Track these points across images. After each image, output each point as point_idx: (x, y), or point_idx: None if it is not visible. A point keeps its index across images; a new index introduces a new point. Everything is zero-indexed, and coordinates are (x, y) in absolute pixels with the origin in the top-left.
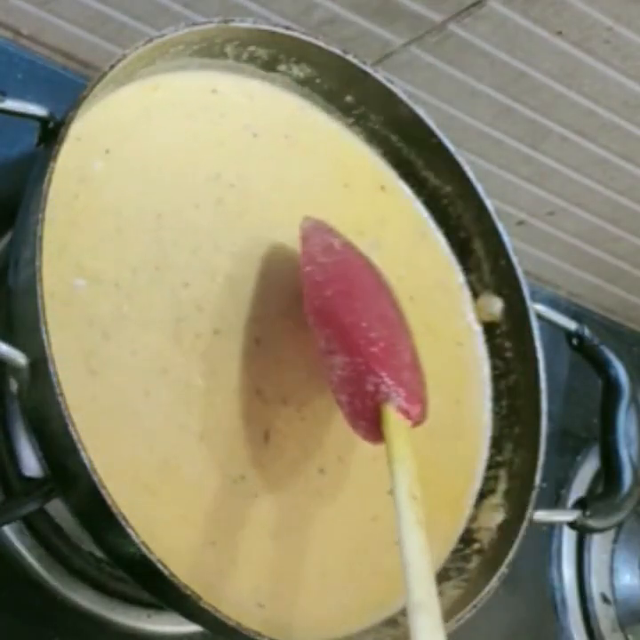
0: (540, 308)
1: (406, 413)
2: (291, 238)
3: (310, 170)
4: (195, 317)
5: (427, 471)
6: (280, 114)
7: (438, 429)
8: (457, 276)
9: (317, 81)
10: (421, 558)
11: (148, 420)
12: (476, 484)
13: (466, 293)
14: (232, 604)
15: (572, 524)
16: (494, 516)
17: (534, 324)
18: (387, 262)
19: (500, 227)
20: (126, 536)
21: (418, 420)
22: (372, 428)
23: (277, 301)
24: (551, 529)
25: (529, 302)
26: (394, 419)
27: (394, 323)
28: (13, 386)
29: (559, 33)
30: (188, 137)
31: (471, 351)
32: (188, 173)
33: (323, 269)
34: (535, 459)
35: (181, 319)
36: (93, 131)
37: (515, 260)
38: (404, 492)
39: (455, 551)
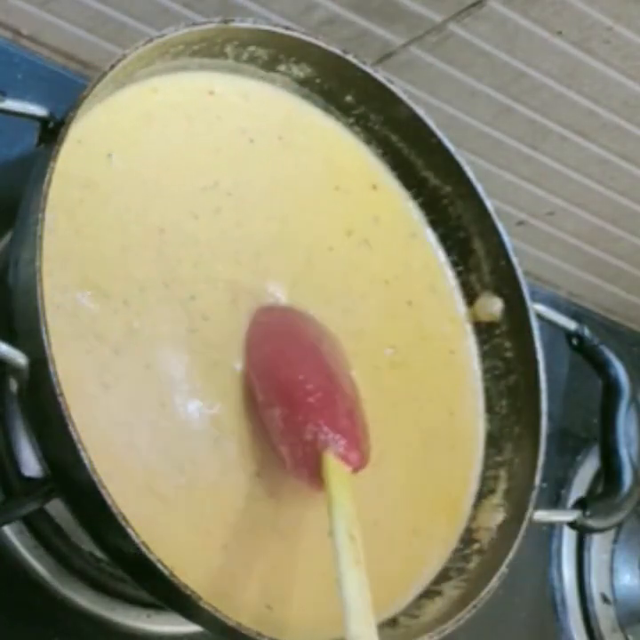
0: (540, 308)
1: (345, 459)
2: (285, 246)
3: (303, 172)
4: (203, 327)
5: (422, 480)
6: (275, 115)
7: (433, 441)
8: (448, 279)
9: (317, 81)
10: (359, 596)
11: (163, 429)
12: (473, 487)
13: (457, 296)
14: (241, 606)
15: (572, 524)
16: (494, 516)
17: (534, 323)
18: (378, 261)
19: (500, 227)
20: (126, 536)
21: (357, 466)
22: (314, 475)
23: None
24: (551, 529)
25: (529, 302)
26: (333, 465)
27: (332, 373)
28: (13, 386)
29: (559, 33)
30: (187, 142)
31: (464, 358)
32: (187, 182)
33: (262, 328)
34: (535, 459)
35: (193, 331)
36: (94, 134)
37: (515, 260)
38: (342, 533)
39: (455, 551)
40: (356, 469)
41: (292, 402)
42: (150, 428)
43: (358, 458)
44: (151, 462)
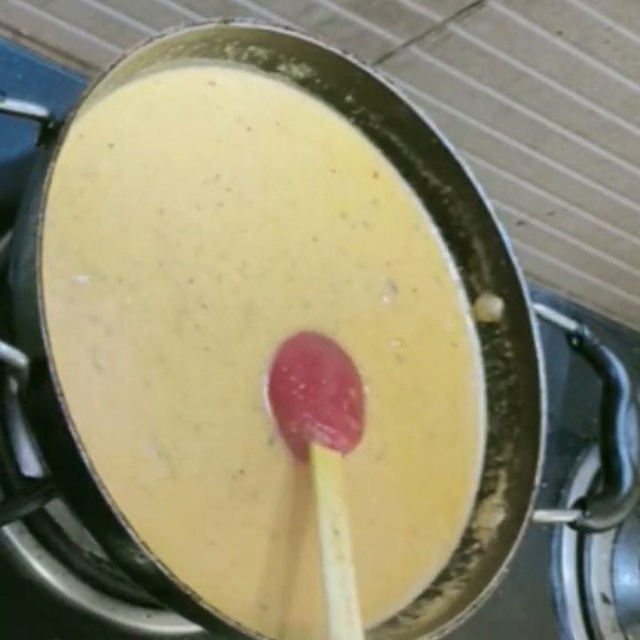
0: (540, 308)
1: (332, 446)
2: (282, 251)
3: (299, 156)
4: (199, 312)
5: (422, 478)
6: (274, 102)
7: (435, 435)
8: (451, 273)
9: (317, 81)
10: (342, 593)
11: (147, 411)
12: (473, 488)
13: (461, 293)
14: (235, 606)
15: (571, 524)
16: (494, 516)
17: (534, 324)
18: (377, 242)
19: (500, 227)
20: (126, 536)
21: (345, 448)
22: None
23: None
24: (551, 529)
25: (529, 302)
26: (319, 456)
27: (316, 356)
28: (13, 386)
29: (559, 33)
30: (188, 133)
31: (466, 352)
32: (189, 174)
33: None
34: (535, 459)
35: (185, 311)
36: (96, 128)
37: (515, 260)
38: (326, 528)
39: (455, 551)
40: (346, 451)
41: (277, 396)
42: (136, 410)
43: (346, 442)
44: (137, 448)
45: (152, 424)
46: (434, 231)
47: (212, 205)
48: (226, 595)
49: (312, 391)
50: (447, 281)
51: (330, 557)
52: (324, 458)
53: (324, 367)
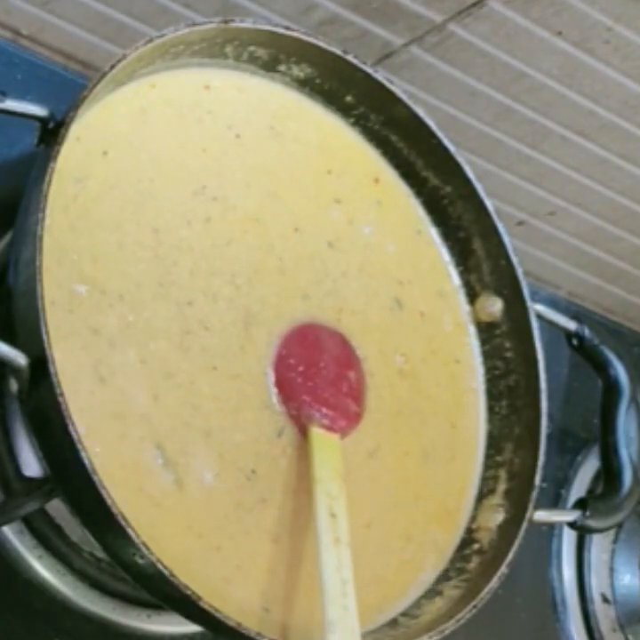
0: (540, 308)
1: (330, 429)
2: (272, 248)
3: (289, 156)
4: (202, 335)
5: (417, 489)
6: (270, 105)
7: (433, 453)
8: (452, 278)
9: (317, 81)
10: (337, 578)
11: (156, 422)
12: (470, 500)
13: (461, 297)
14: (238, 608)
15: (571, 525)
16: (494, 517)
17: (534, 324)
18: (381, 249)
19: (500, 227)
20: (126, 536)
21: (344, 429)
22: None
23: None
24: (551, 529)
25: (529, 302)
26: (317, 438)
27: (315, 340)
28: (13, 386)
29: (559, 33)
30: (178, 141)
31: (468, 366)
32: (179, 186)
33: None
34: (535, 459)
35: (189, 332)
36: (93, 131)
37: (515, 260)
38: (322, 511)
39: (453, 553)
40: (344, 433)
41: (278, 379)
42: (143, 421)
43: (344, 424)
44: (142, 459)
45: (159, 434)
46: (435, 234)
47: (201, 220)
48: (229, 598)
49: (311, 373)
50: (449, 289)
51: (327, 541)
52: (322, 440)
53: (323, 350)
